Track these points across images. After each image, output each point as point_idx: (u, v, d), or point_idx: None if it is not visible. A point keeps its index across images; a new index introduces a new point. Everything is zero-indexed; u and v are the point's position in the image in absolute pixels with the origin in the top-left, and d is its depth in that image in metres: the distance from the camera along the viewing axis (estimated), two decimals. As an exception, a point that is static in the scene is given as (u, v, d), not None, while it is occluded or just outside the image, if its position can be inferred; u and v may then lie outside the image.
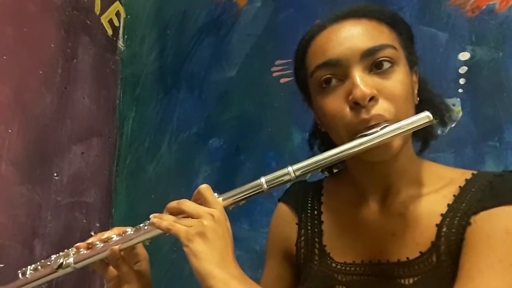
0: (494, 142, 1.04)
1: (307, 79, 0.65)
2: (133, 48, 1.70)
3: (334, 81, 0.60)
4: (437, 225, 0.59)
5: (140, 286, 0.66)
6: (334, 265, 0.66)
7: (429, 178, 0.64)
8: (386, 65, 0.58)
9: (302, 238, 0.72)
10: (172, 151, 1.52)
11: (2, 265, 1.14)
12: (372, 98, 0.56)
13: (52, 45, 1.39)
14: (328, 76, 0.60)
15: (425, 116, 0.56)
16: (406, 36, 0.64)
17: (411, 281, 0.59)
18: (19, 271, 0.66)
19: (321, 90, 0.61)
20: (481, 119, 1.06)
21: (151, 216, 0.60)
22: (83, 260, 0.64)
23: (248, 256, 1.24)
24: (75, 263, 0.64)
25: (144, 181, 1.54)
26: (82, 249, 0.65)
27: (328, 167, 0.71)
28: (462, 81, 1.10)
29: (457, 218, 0.58)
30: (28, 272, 0.66)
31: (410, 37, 0.65)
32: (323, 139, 0.73)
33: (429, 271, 0.58)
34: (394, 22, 0.63)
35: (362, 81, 0.57)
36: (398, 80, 0.58)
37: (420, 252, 0.59)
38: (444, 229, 0.59)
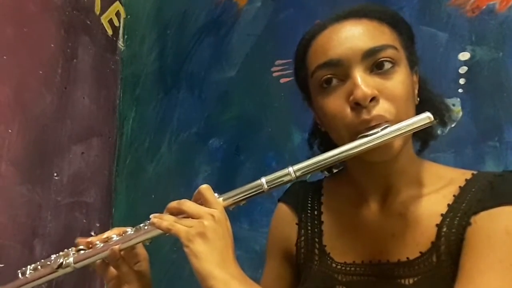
0: (494, 142, 1.04)
1: (307, 79, 0.65)
2: (133, 48, 1.70)
3: (335, 81, 0.60)
4: (437, 225, 0.59)
5: (140, 286, 0.66)
6: (334, 265, 0.66)
7: (429, 178, 0.64)
8: (387, 65, 0.58)
9: (302, 238, 0.71)
10: (172, 151, 1.52)
11: (2, 265, 1.14)
12: (373, 99, 0.56)
13: (52, 45, 1.39)
14: (329, 76, 0.60)
15: (426, 117, 0.56)
16: (407, 36, 0.64)
17: (411, 281, 0.59)
18: (19, 271, 0.66)
19: (321, 90, 0.61)
20: (481, 119, 1.06)
21: (151, 216, 0.60)
22: (83, 260, 0.64)
23: (248, 256, 1.24)
24: (75, 263, 0.63)
25: (144, 181, 1.54)
26: (82, 246, 0.65)
27: (328, 167, 0.71)
28: (462, 81, 1.10)
29: (457, 218, 0.58)
30: (28, 272, 0.66)
31: (411, 37, 0.65)
32: (322, 138, 0.73)
33: (429, 271, 0.58)
34: (395, 22, 0.63)
35: (363, 81, 0.57)
36: (399, 81, 0.58)
37: (420, 252, 0.59)
38: (444, 229, 0.59)
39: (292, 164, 0.59)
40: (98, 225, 1.49)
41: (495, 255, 0.54)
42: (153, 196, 1.50)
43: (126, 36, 1.72)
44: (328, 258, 0.67)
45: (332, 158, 0.58)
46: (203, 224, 0.56)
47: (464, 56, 1.11)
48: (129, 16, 1.74)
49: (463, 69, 1.10)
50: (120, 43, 1.71)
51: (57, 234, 1.32)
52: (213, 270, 0.53)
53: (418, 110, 0.60)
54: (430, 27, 1.16)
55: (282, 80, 1.35)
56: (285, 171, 0.59)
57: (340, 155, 0.58)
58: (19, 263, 1.16)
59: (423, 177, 0.64)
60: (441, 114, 0.67)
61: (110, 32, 1.66)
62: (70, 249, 0.65)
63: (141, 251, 0.68)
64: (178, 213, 0.59)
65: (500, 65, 1.06)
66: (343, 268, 0.65)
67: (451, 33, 1.13)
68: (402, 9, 1.18)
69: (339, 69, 0.59)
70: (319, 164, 0.59)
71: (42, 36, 1.36)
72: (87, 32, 1.55)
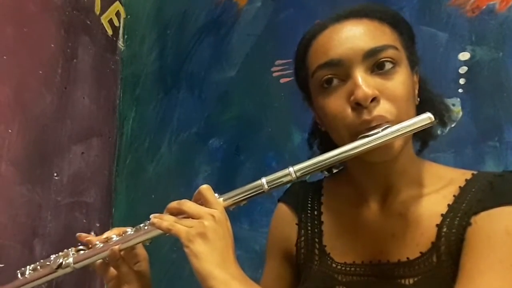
0: (494, 142, 1.04)
1: (307, 79, 0.65)
2: (133, 48, 1.70)
3: (335, 81, 0.60)
4: (437, 225, 0.59)
5: (140, 286, 0.66)
6: (334, 265, 0.66)
7: (429, 179, 0.64)
8: (388, 65, 0.58)
9: (302, 238, 0.71)
10: (172, 151, 1.52)
11: (2, 265, 1.14)
12: (374, 99, 0.56)
13: (52, 45, 1.39)
14: (329, 76, 0.60)
15: (427, 118, 0.56)
16: (408, 36, 0.64)
17: (411, 281, 0.59)
18: (18, 271, 0.66)
19: (322, 90, 0.61)
20: (481, 119, 1.06)
21: (151, 216, 0.60)
22: (83, 260, 0.64)
23: (248, 256, 1.24)
24: (74, 263, 0.64)
25: (144, 181, 1.54)
26: (82, 241, 0.65)
27: (328, 167, 0.71)
28: (462, 81, 1.10)
29: (458, 218, 0.58)
30: (27, 272, 0.66)
31: (411, 37, 0.65)
32: (322, 138, 0.73)
33: (429, 271, 0.58)
34: (395, 22, 0.63)
35: (364, 81, 0.57)
36: (400, 81, 0.58)
37: (421, 252, 0.59)
38: (445, 229, 0.59)
39: (293, 164, 0.59)
40: (98, 225, 1.49)
41: (495, 255, 0.54)
42: (153, 196, 1.50)
43: (126, 36, 1.72)
44: (328, 258, 0.67)
45: (333, 159, 0.58)
46: (203, 225, 0.56)
47: (464, 56, 1.11)
48: (129, 16, 1.74)
49: (463, 69, 1.10)
50: (120, 43, 1.71)
51: (57, 234, 1.32)
52: (213, 270, 0.53)
53: (418, 110, 0.60)
54: (430, 27, 1.16)
55: (282, 80, 1.35)
56: (285, 171, 0.59)
57: (341, 155, 0.58)
58: (19, 263, 1.16)
59: (423, 177, 0.64)
60: (441, 114, 0.67)
61: (110, 32, 1.66)
62: (69, 249, 0.65)
63: (141, 251, 0.68)
64: (178, 213, 0.59)
65: (500, 65, 1.06)
66: (343, 268, 0.65)
67: (451, 33, 1.13)
68: (402, 9, 1.18)
69: (340, 69, 0.59)
70: (319, 164, 0.59)
71: (42, 36, 1.36)
72: (87, 32, 1.55)
